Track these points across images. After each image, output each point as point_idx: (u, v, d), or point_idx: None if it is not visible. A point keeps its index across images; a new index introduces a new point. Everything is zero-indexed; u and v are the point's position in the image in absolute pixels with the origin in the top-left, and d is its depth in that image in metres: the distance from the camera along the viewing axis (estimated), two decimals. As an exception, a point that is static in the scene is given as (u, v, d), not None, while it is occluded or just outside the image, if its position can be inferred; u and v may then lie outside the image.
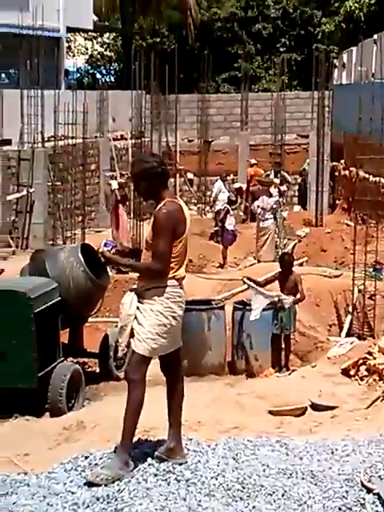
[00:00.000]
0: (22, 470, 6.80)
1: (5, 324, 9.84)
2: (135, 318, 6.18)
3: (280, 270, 12.13)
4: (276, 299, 11.28)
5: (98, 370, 11.47)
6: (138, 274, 6.45)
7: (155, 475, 6.07)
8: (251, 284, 11.63)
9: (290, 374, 10.70)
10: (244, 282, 12.12)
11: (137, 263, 6.35)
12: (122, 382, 10.83)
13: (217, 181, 23.30)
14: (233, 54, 37.62)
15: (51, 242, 21.10)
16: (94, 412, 8.83)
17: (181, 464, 6.26)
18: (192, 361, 10.58)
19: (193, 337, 10.77)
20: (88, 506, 5.57)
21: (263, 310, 11.27)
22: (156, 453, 6.33)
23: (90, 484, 5.94)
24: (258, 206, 19.12)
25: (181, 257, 6.22)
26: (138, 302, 6.19)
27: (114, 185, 19.89)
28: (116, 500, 5.66)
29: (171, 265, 6.14)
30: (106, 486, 5.90)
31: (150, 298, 6.16)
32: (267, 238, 18.78)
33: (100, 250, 6.39)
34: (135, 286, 6.35)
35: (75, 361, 11.03)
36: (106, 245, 6.23)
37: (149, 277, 6.18)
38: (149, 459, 6.29)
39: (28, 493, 5.67)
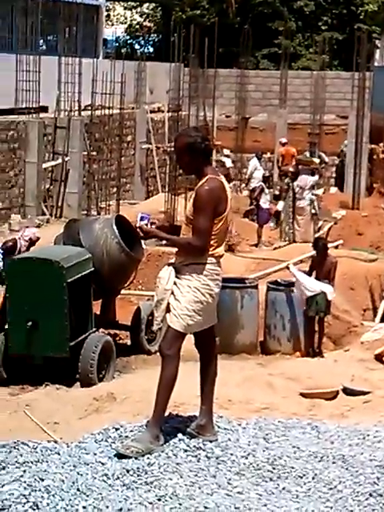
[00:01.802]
0: (51, 439, 6.84)
1: (38, 293, 9.89)
2: (172, 293, 6.16)
3: (314, 254, 12.01)
4: (319, 291, 11.08)
5: (129, 343, 11.48)
6: (176, 249, 6.41)
7: (185, 451, 6.06)
8: (295, 273, 11.42)
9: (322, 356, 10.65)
10: (289, 270, 11.92)
11: (177, 238, 6.31)
12: (152, 356, 10.91)
13: (253, 158, 23.17)
14: (273, 31, 37.22)
15: (85, 212, 21.14)
16: (124, 384, 8.83)
17: (211, 441, 6.24)
18: (224, 339, 10.50)
19: (225, 315, 10.72)
20: (118, 478, 5.57)
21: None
22: (187, 429, 6.32)
23: (120, 456, 5.94)
24: (297, 185, 19.00)
25: (220, 235, 6.17)
26: (176, 277, 6.15)
27: (229, 163, 19.66)
28: (146, 473, 5.66)
29: (211, 242, 6.10)
30: (136, 458, 5.90)
31: (188, 274, 6.12)
32: (305, 218, 18.69)
33: (137, 224, 6.34)
34: (173, 261, 6.32)
35: (107, 332, 11.04)
36: (142, 219, 6.15)
37: (188, 252, 6.15)
38: (179, 435, 6.28)
39: (58, 461, 5.68)
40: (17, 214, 20.25)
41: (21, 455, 5.57)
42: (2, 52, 23.03)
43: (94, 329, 10.42)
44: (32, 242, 12.24)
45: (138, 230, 6.32)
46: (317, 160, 22.18)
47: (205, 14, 37.73)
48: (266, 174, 23.43)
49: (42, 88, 21.22)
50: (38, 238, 12.40)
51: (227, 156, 25.04)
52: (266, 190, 21.29)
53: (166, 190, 22.57)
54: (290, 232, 19.04)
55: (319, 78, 28.96)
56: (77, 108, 22.45)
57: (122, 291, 11.84)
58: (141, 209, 20.00)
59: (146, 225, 6.36)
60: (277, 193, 25.68)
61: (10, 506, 4.77)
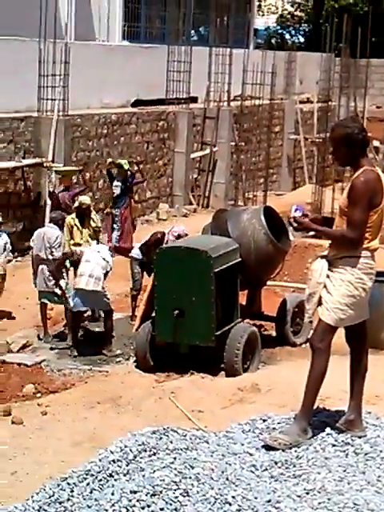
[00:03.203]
0: (197, 427, 6.90)
1: (185, 282, 9.97)
2: (324, 286, 6.09)
3: None
4: None
5: (274, 334, 11.43)
6: (329, 242, 6.33)
7: (333, 446, 6.01)
8: None
9: None
10: None
11: (331, 230, 6.22)
12: (298, 348, 10.84)
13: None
14: None
15: (232, 203, 21.21)
16: (269, 375, 8.83)
17: (360, 437, 6.17)
18: (371, 333, 10.25)
19: (373, 309, 10.44)
20: (266, 469, 5.57)
21: None
22: (336, 424, 6.25)
23: (267, 447, 5.93)
24: None
25: (375, 228, 6.06)
26: (329, 269, 6.09)
27: None
28: (294, 466, 5.64)
29: (365, 235, 6.00)
30: (283, 451, 5.89)
31: (342, 267, 6.05)
32: None
33: (291, 215, 6.28)
34: (325, 253, 6.25)
35: (252, 323, 11.04)
36: (296, 210, 6.08)
37: (342, 245, 6.06)
38: (327, 429, 6.24)
39: (207, 450, 5.72)
40: (165, 203, 20.53)
41: (171, 442, 5.64)
42: (154, 43, 23.37)
43: (239, 319, 10.43)
44: (180, 238, 12.38)
45: (291, 220, 6.25)
46: None
47: (358, 2, 37.07)
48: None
49: (192, 78, 21.39)
50: (186, 235, 12.52)
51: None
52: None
53: (314, 181, 22.39)
54: None
55: None
56: (226, 98, 22.52)
57: (268, 282, 11.79)
58: (288, 200, 19.90)
59: (300, 217, 6.27)
60: None
61: (161, 491, 4.84)
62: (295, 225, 6.23)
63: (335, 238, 6.18)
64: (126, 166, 15.84)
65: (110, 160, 16.50)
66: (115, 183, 15.80)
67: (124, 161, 16.18)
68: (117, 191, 15.70)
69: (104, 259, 11.34)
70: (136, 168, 17.46)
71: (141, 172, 17.96)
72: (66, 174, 15.60)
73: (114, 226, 15.66)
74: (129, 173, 15.95)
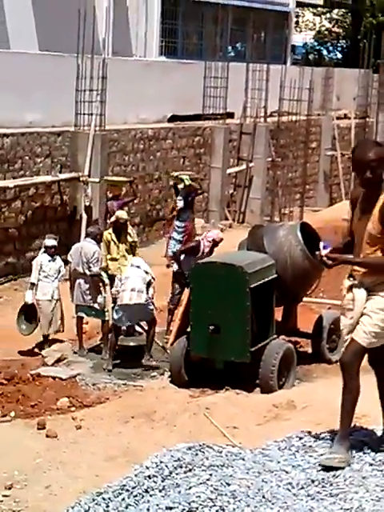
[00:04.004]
0: (231, 443, 6.85)
1: (221, 297, 9.94)
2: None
3: None
4: None
5: (310, 351, 11.37)
6: (362, 270, 6.18)
7: (371, 465, 5.94)
8: None
9: None
10: None
11: (369, 259, 6.07)
12: (333, 365, 10.73)
13: None
14: None
15: (268, 218, 21.18)
16: (304, 393, 8.75)
17: (397, 457, 6.08)
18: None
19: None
20: (302, 488, 5.51)
21: None
22: (372, 444, 6.19)
23: (328, 467, 5.82)
24: None
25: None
26: (368, 295, 6.01)
27: None
28: (331, 485, 5.57)
29: None
30: (318, 470, 5.82)
31: (383, 292, 5.97)
32: None
33: (321, 254, 6.21)
34: (358, 279, 6.14)
35: (288, 339, 10.98)
36: (325, 247, 6.06)
37: (381, 271, 5.98)
38: (364, 448, 6.16)
39: (243, 467, 5.68)
40: (200, 218, 20.51)
41: (207, 458, 5.60)
42: (191, 59, 23.43)
43: (275, 335, 10.39)
44: (215, 243, 12.36)
45: (324, 259, 6.18)
46: None
47: (396, 19, 37.00)
48: None
49: (229, 94, 21.41)
50: (221, 239, 12.50)
51: None
52: None
53: (350, 197, 22.30)
54: None
55: None
56: (263, 114, 22.52)
57: (304, 298, 11.73)
58: (324, 216, 19.82)
59: (330, 252, 6.21)
60: None
61: (197, 508, 4.80)
62: (330, 262, 6.17)
63: (375, 266, 6.05)
64: (187, 182, 16.03)
65: (175, 174, 16.68)
66: (178, 197, 16.08)
67: (185, 176, 16.36)
68: (180, 204, 15.97)
69: (145, 272, 11.33)
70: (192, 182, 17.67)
71: (200, 184, 18.07)
72: (116, 184, 15.77)
73: (176, 236, 15.84)
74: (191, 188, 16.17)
